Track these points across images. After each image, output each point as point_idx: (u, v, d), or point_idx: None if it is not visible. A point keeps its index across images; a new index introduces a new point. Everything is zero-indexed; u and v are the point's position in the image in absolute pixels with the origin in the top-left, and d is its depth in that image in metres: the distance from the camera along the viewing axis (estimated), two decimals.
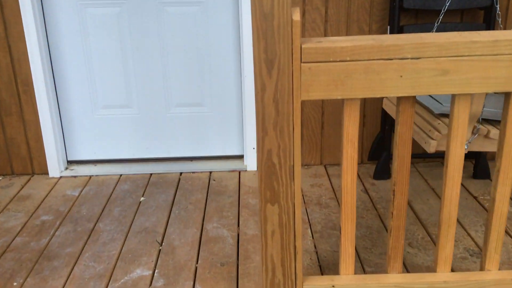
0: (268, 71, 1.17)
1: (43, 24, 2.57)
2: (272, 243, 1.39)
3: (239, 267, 1.94)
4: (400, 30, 2.40)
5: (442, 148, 1.88)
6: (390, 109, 2.23)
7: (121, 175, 2.75)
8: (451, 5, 2.32)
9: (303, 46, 1.17)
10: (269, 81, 1.19)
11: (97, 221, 2.29)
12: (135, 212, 2.36)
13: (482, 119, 1.92)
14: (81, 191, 2.58)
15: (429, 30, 2.34)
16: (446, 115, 1.92)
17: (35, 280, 1.89)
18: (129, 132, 2.81)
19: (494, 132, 1.86)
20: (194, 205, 2.42)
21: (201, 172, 2.78)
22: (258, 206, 2.41)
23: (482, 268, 1.54)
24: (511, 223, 2.20)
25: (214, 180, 2.69)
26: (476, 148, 1.90)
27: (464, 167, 2.73)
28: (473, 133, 1.86)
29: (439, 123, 1.86)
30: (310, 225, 2.23)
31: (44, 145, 2.69)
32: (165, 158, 2.87)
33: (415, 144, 2.80)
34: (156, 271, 1.93)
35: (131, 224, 2.26)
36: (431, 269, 1.92)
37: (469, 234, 2.13)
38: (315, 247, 2.06)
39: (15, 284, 1.87)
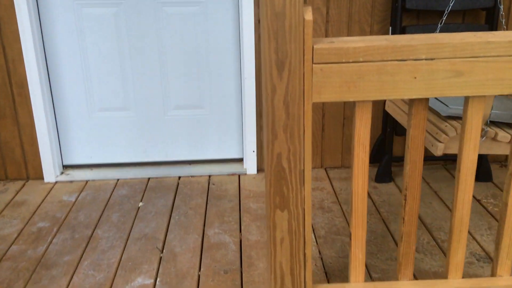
0: (278, 73, 1.13)
1: (38, 24, 2.51)
2: (281, 251, 1.34)
3: (243, 274, 1.90)
4: (402, 31, 2.37)
5: (450, 151, 1.85)
6: (394, 111, 2.20)
7: (118, 179, 2.69)
8: (453, 5, 2.29)
9: (315, 46, 1.13)
10: (280, 83, 1.14)
11: (95, 227, 2.23)
12: (134, 218, 2.31)
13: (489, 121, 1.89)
14: (78, 196, 2.52)
15: (431, 30, 2.31)
16: (453, 117, 1.88)
17: None
18: (126, 135, 2.75)
19: (502, 134, 1.83)
20: (194, 210, 2.37)
21: (200, 176, 2.72)
22: (259, 211, 2.37)
23: (493, 274, 1.51)
24: None
25: (213, 184, 2.64)
26: (483, 151, 1.87)
27: None
28: (480, 135, 1.83)
29: (446, 126, 1.83)
30: (313, 230, 2.19)
31: (39, 149, 2.63)
32: (163, 161, 2.82)
33: None
34: (158, 279, 1.87)
35: (130, 231, 2.20)
36: (439, 274, 1.88)
37: (474, 238, 2.10)
38: (319, 253, 2.02)
39: None
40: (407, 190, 1.39)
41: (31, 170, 2.69)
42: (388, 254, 2.01)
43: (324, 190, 2.55)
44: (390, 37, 1.20)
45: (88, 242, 2.12)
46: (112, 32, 2.56)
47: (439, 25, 2.07)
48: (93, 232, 2.20)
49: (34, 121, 2.58)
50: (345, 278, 1.86)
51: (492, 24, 2.35)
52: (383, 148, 2.64)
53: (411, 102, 1.29)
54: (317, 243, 2.09)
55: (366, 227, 1.41)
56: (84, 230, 2.21)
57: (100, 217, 2.32)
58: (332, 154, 2.77)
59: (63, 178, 2.70)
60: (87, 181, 2.67)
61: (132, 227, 2.23)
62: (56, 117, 2.69)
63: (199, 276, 1.89)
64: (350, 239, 1.41)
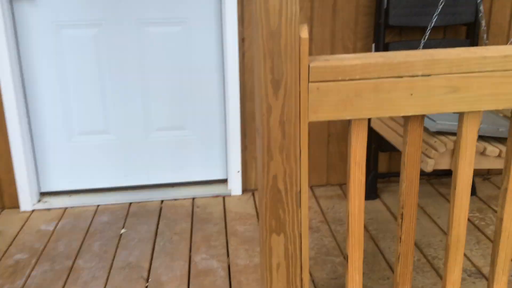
0: (274, 92, 1.09)
1: (15, 46, 2.42)
2: (277, 277, 1.29)
3: None
4: (385, 48, 2.38)
5: (439, 167, 1.83)
6: (381, 128, 2.18)
7: (98, 205, 2.60)
8: (435, 21, 2.31)
9: (310, 65, 1.10)
10: (276, 103, 1.10)
11: (76, 257, 2.13)
12: (116, 246, 2.22)
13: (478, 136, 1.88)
14: (56, 225, 2.42)
15: (415, 47, 2.32)
16: (442, 133, 1.88)
17: None
18: (107, 159, 2.66)
19: (490, 149, 1.83)
20: (179, 236, 2.29)
21: (184, 198, 2.65)
22: (246, 233, 2.30)
23: None
24: None
25: (198, 207, 2.57)
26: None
27: (449, 184, 2.71)
28: None
29: (435, 141, 1.82)
30: None
31: (16, 176, 2.51)
32: (145, 185, 2.74)
33: (398, 162, 2.76)
34: None
35: (113, 260, 2.11)
36: None
37: (464, 254, 2.08)
38: (311, 275, 1.97)
39: None
40: (404, 209, 1.36)
41: (6, 199, 2.57)
42: (380, 273, 1.98)
43: (311, 209, 2.51)
44: (386, 54, 1.18)
45: (69, 274, 2.02)
46: (92, 53, 2.50)
47: (422, 41, 2.07)
48: (74, 262, 2.10)
49: (10, 148, 2.48)
50: None
51: (473, 39, 2.38)
52: (368, 165, 2.63)
53: (407, 119, 1.27)
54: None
55: (363, 248, 1.37)
56: (65, 261, 2.11)
57: (81, 246, 2.22)
58: (318, 172, 2.74)
59: (40, 206, 2.59)
60: (65, 209, 2.57)
61: (115, 256, 2.14)
62: (34, 142, 2.59)
63: None
64: (347, 261, 1.37)
